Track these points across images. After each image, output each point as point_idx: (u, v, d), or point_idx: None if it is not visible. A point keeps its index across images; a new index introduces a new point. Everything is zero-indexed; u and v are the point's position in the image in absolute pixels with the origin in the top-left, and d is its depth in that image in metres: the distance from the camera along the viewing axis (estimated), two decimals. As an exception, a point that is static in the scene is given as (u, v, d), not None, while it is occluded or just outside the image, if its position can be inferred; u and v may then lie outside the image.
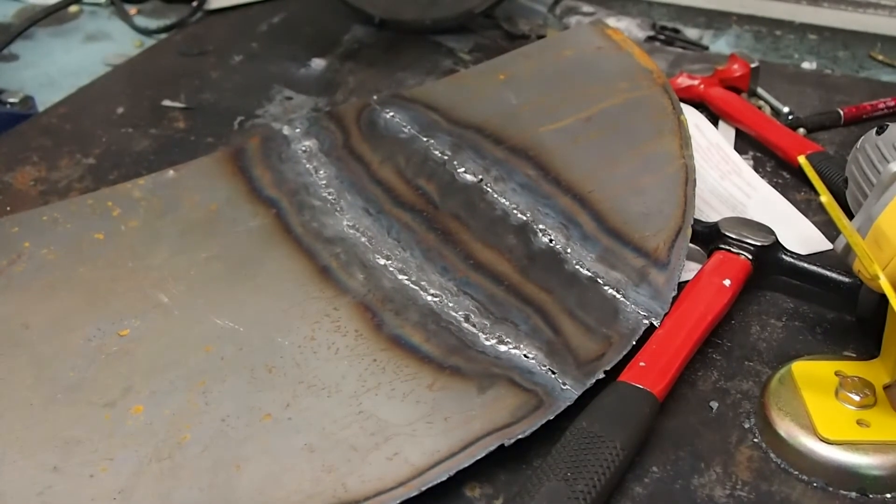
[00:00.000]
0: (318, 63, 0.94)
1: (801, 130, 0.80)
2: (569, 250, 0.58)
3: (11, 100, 0.84)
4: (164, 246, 0.63)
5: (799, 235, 0.65)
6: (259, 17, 1.06)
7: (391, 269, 0.60)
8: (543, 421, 0.48)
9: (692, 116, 0.79)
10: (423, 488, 0.45)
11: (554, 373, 0.51)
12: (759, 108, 0.83)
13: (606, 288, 0.56)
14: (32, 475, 0.46)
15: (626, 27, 1.03)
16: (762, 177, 0.73)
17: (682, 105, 0.69)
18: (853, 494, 0.47)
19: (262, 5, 1.08)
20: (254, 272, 0.60)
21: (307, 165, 0.69)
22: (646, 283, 0.55)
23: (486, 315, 0.56)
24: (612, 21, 1.04)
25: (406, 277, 0.59)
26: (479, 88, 0.73)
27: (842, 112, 0.81)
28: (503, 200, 0.62)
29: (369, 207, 0.65)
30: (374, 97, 0.73)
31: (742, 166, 0.74)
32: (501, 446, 0.46)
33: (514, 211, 0.61)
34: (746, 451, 0.49)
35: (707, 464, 0.48)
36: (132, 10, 1.08)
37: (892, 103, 0.83)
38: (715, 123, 0.81)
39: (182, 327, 0.56)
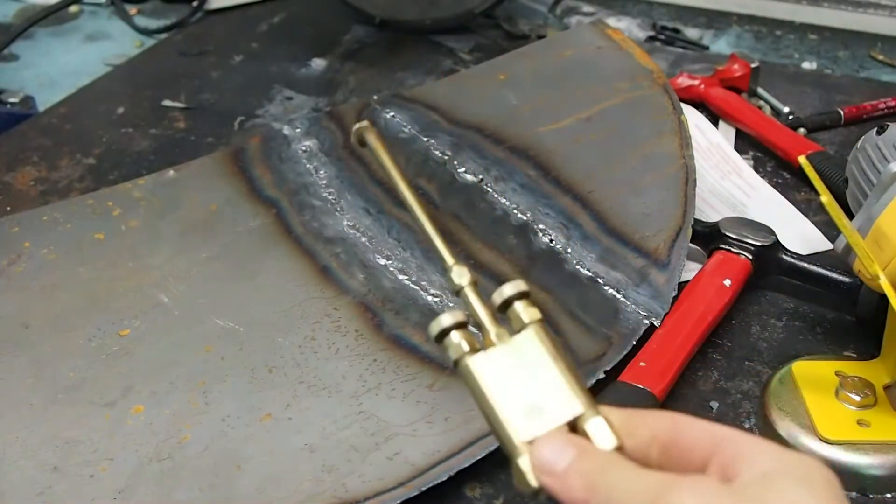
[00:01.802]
0: (318, 63, 0.94)
1: (802, 130, 0.80)
2: (569, 250, 0.58)
3: (11, 100, 0.84)
4: (165, 246, 0.63)
5: (799, 235, 0.65)
6: (259, 17, 1.06)
7: (391, 269, 0.60)
8: (544, 421, 0.48)
9: (692, 116, 0.79)
10: (424, 488, 0.45)
11: (554, 373, 0.51)
12: (760, 108, 0.82)
13: (607, 288, 0.56)
14: (32, 475, 0.46)
15: (627, 27, 1.03)
16: (762, 177, 0.73)
17: (683, 105, 0.69)
18: (854, 494, 0.47)
19: (262, 5, 1.08)
20: (254, 272, 0.60)
21: (307, 165, 0.69)
22: (646, 283, 0.55)
23: (487, 315, 0.56)
24: (612, 21, 1.04)
25: (406, 277, 0.59)
26: (479, 88, 0.73)
27: (842, 112, 0.81)
28: (503, 200, 0.62)
29: (369, 207, 0.65)
30: (375, 97, 0.73)
31: (742, 166, 0.74)
32: (502, 446, 0.46)
33: (515, 211, 0.61)
34: (747, 451, 0.49)
35: (707, 464, 0.48)
36: (132, 10, 1.08)
37: (892, 103, 0.83)
38: (715, 123, 0.81)
39: (182, 327, 0.56)
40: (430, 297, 0.58)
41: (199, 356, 0.54)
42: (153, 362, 0.53)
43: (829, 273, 0.58)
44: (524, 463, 0.31)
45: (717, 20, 1.06)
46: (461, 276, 0.36)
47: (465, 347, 0.33)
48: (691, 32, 1.03)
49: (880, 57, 0.97)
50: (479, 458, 0.46)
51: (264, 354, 0.54)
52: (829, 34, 1.03)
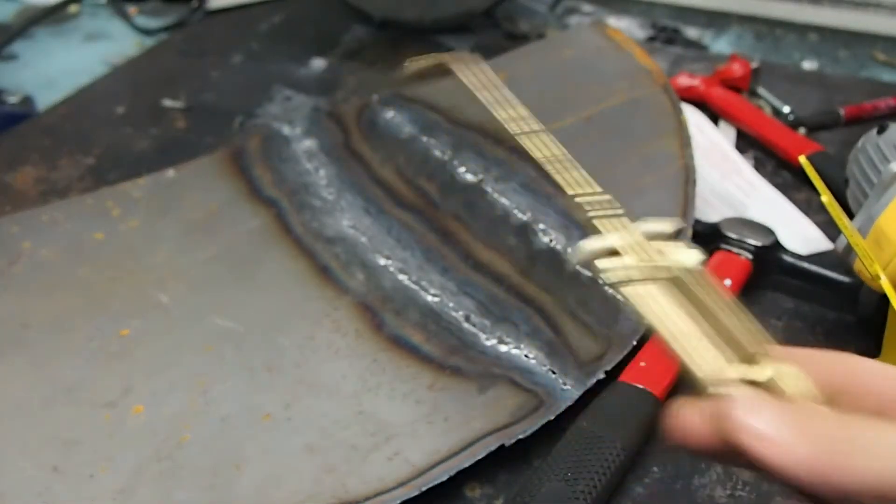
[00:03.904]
0: (318, 63, 0.94)
1: (802, 130, 0.80)
2: (570, 250, 0.58)
3: (11, 100, 0.84)
4: (164, 246, 0.63)
5: (800, 235, 0.65)
6: (259, 17, 1.06)
7: (391, 269, 0.60)
8: (544, 421, 0.48)
9: (692, 116, 0.79)
10: (424, 488, 0.45)
11: (554, 373, 0.51)
12: (760, 107, 0.83)
13: (607, 288, 0.56)
14: (32, 475, 0.46)
15: (627, 27, 1.03)
16: (763, 176, 0.73)
17: (683, 105, 0.69)
18: (854, 494, 0.46)
19: (262, 5, 1.08)
20: (254, 272, 0.60)
21: (307, 165, 0.69)
22: (646, 283, 0.55)
23: (487, 315, 0.56)
24: (612, 21, 1.04)
25: (406, 277, 0.59)
26: (479, 88, 0.73)
27: (842, 112, 0.81)
28: (504, 200, 0.62)
29: (369, 207, 0.65)
30: (375, 97, 0.73)
31: (743, 166, 0.74)
32: (502, 446, 0.46)
33: (515, 211, 0.61)
34: (747, 452, 0.49)
35: (708, 464, 0.48)
36: (132, 10, 1.08)
37: (892, 103, 0.83)
38: (715, 123, 0.81)
39: (182, 327, 0.56)
40: (429, 297, 0.58)
41: (199, 356, 0.54)
42: (153, 362, 0.53)
43: (829, 273, 0.57)
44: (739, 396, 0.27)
45: (717, 20, 1.06)
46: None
47: (629, 273, 0.30)
48: (691, 32, 1.03)
49: (881, 57, 0.97)
50: (479, 458, 0.46)
51: (264, 354, 0.54)
52: (829, 34, 1.03)
